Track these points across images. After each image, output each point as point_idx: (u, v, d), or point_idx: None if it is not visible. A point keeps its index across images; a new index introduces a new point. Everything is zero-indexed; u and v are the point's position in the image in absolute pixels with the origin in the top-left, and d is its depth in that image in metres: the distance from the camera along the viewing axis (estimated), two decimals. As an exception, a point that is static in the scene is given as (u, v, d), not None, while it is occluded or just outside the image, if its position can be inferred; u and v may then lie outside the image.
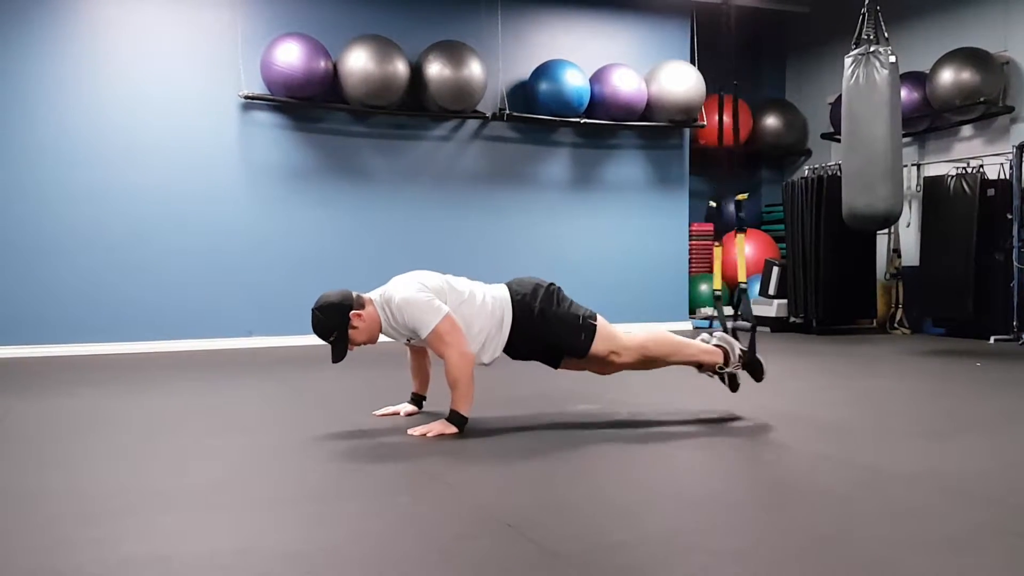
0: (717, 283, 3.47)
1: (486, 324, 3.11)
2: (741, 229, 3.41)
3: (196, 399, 4.11)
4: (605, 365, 3.24)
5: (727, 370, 3.29)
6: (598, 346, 3.15)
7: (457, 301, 3.09)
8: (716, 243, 3.54)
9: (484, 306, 3.12)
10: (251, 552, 1.85)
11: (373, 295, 3.12)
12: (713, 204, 3.60)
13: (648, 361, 3.24)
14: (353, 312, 3.00)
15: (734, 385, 3.35)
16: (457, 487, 2.39)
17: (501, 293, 3.18)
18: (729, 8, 3.90)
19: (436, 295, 3.05)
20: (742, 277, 3.39)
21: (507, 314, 3.14)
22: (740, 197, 3.40)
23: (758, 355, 3.33)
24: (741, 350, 3.31)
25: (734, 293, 3.53)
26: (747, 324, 3.33)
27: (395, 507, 2.20)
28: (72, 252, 6.14)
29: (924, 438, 3.09)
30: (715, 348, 3.29)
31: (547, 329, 3.15)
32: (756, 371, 3.34)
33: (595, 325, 3.17)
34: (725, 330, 3.43)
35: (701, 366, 3.32)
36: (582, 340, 3.14)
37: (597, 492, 2.34)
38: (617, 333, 3.20)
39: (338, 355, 3.05)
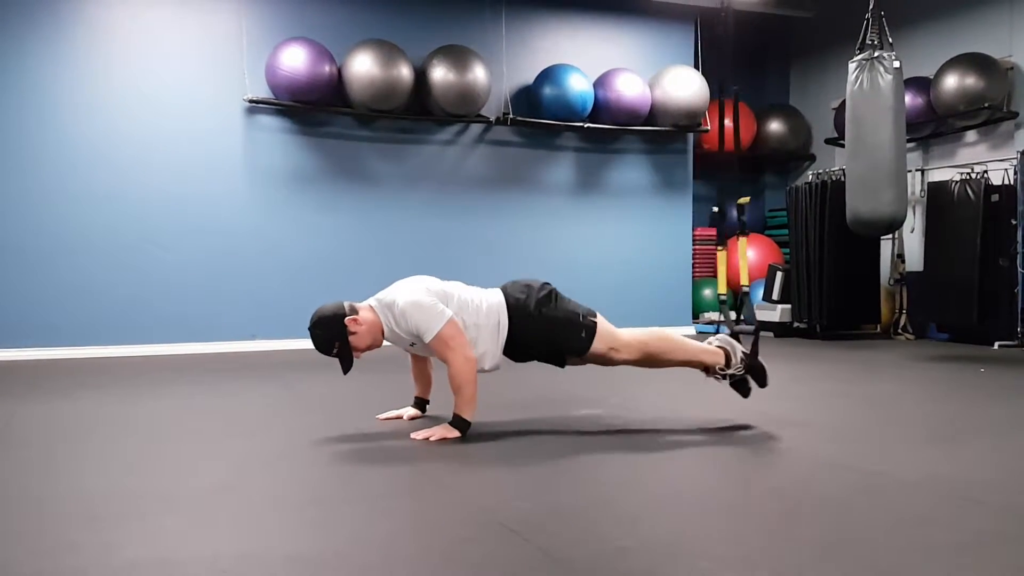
0: (722, 287, 3.46)
1: (484, 330, 3.11)
2: (743, 233, 3.34)
3: (199, 402, 4.11)
4: (606, 361, 3.20)
5: (729, 371, 3.24)
6: (598, 344, 3.14)
7: (456, 307, 3.09)
8: (719, 247, 3.51)
9: (479, 311, 3.12)
10: (254, 556, 1.86)
11: (371, 301, 3.12)
12: (716, 209, 3.54)
13: (649, 358, 3.21)
14: (348, 319, 3.00)
15: (744, 390, 3.30)
16: (459, 491, 2.39)
17: (496, 298, 3.18)
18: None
19: (439, 299, 3.06)
20: (744, 280, 3.33)
21: (503, 318, 3.14)
22: (742, 201, 3.37)
23: (761, 359, 3.29)
24: (744, 353, 3.25)
25: (737, 297, 3.43)
26: (750, 328, 3.25)
27: (397, 511, 2.20)
28: (75, 255, 6.16)
29: (928, 444, 3.08)
30: (716, 349, 3.26)
31: (547, 328, 3.14)
32: (759, 375, 3.28)
33: (595, 323, 3.16)
34: (730, 334, 3.38)
35: (706, 369, 3.28)
36: (582, 338, 3.13)
37: (600, 497, 2.34)
38: (616, 331, 3.19)
39: (346, 365, 3.06)
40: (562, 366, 3.30)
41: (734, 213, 7.85)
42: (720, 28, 3.77)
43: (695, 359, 3.25)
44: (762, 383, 3.29)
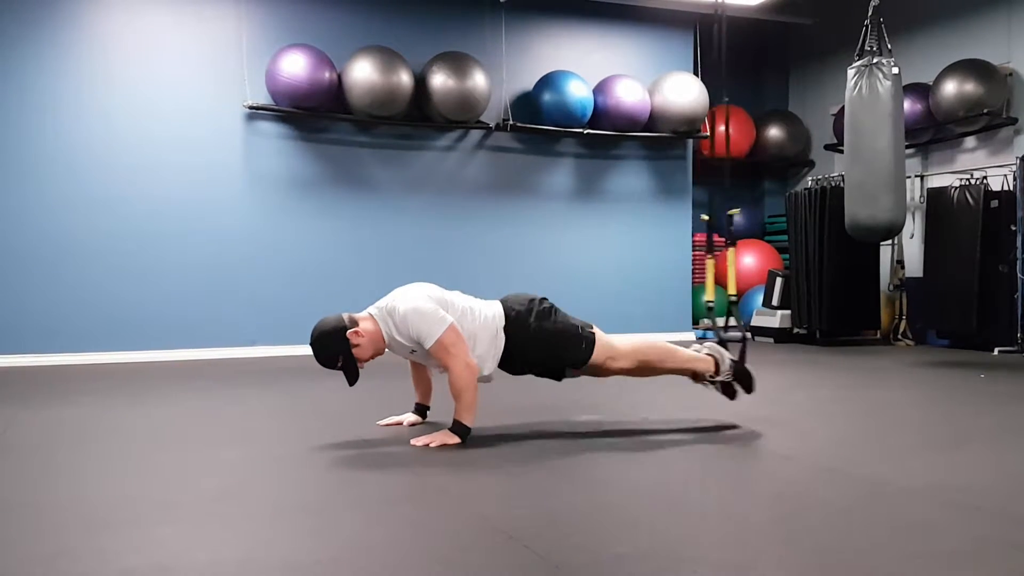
0: (709, 294, 3.52)
1: (480, 340, 3.14)
2: (732, 243, 3.46)
3: (199, 409, 4.11)
4: (603, 371, 3.27)
5: (719, 379, 3.34)
6: (597, 354, 3.21)
7: (456, 314, 3.10)
8: (709, 255, 3.57)
9: (477, 320, 3.15)
10: (253, 563, 1.85)
11: (371, 310, 3.12)
12: (706, 217, 3.60)
13: (644, 366, 3.29)
14: (350, 332, 3.00)
15: (730, 394, 3.40)
16: (459, 497, 2.39)
17: (495, 309, 3.22)
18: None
19: (440, 306, 3.06)
20: (732, 290, 3.46)
21: (500, 330, 3.17)
22: (732, 212, 3.46)
23: (748, 366, 3.37)
24: (732, 360, 3.35)
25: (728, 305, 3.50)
26: (738, 335, 3.40)
27: (397, 517, 2.20)
28: (75, 261, 6.16)
29: (927, 450, 3.08)
30: (706, 356, 3.35)
31: (547, 342, 3.19)
32: (746, 381, 3.36)
33: (593, 334, 3.23)
34: (718, 341, 3.49)
35: (695, 375, 3.37)
36: (583, 349, 3.20)
37: (599, 503, 2.34)
38: (612, 340, 3.26)
39: (352, 377, 3.06)
40: (559, 379, 3.35)
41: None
42: (716, 30, 3.80)
43: (686, 367, 3.33)
44: (748, 388, 3.37)
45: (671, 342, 3.47)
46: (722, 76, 3.88)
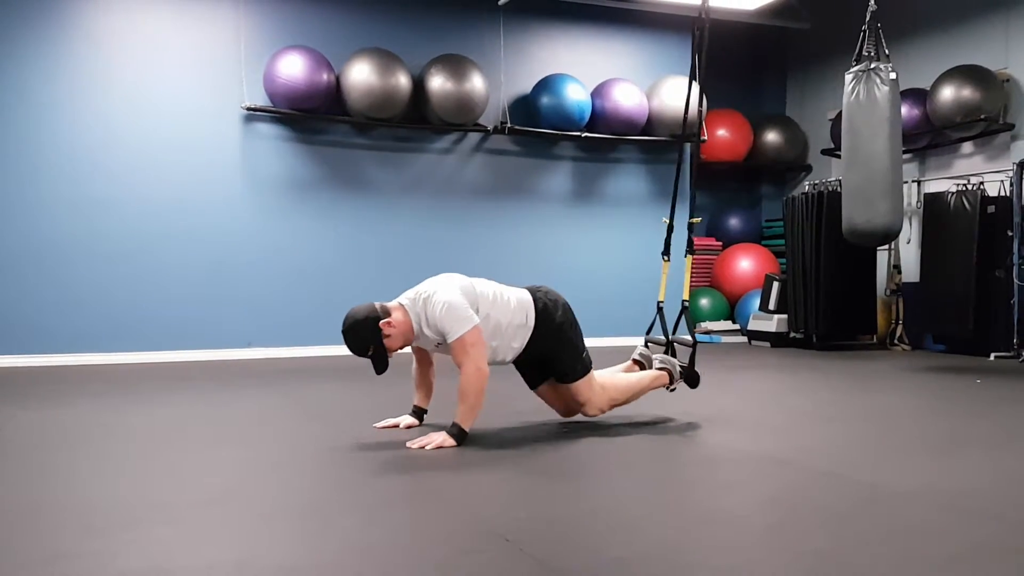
0: (662, 295, 3.85)
1: (507, 324, 3.22)
2: (690, 251, 3.80)
3: (195, 410, 4.10)
4: (573, 407, 3.46)
5: (672, 387, 3.67)
6: (583, 385, 3.36)
7: (487, 304, 3.18)
8: (665, 258, 3.93)
9: (507, 306, 3.23)
10: (249, 565, 1.85)
11: (402, 299, 3.16)
12: (665, 221, 3.90)
13: (613, 406, 3.50)
14: (382, 322, 3.03)
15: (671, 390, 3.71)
16: (456, 501, 2.39)
17: (524, 296, 3.31)
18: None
19: (471, 303, 3.12)
20: (686, 295, 3.77)
21: (530, 317, 3.27)
22: (693, 221, 3.80)
23: (696, 369, 3.68)
24: (681, 366, 3.66)
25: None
26: (689, 340, 3.66)
27: (394, 520, 2.20)
28: (74, 262, 6.16)
29: (924, 455, 3.08)
30: (660, 373, 3.63)
31: (556, 344, 3.31)
32: (693, 382, 3.69)
33: (590, 367, 3.39)
34: (667, 347, 3.77)
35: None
36: (577, 371, 3.34)
37: (596, 507, 2.34)
38: (596, 384, 3.42)
39: (381, 366, 3.09)
40: (534, 387, 3.49)
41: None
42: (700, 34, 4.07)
43: (647, 390, 3.61)
44: (694, 386, 3.71)
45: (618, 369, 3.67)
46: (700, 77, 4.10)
